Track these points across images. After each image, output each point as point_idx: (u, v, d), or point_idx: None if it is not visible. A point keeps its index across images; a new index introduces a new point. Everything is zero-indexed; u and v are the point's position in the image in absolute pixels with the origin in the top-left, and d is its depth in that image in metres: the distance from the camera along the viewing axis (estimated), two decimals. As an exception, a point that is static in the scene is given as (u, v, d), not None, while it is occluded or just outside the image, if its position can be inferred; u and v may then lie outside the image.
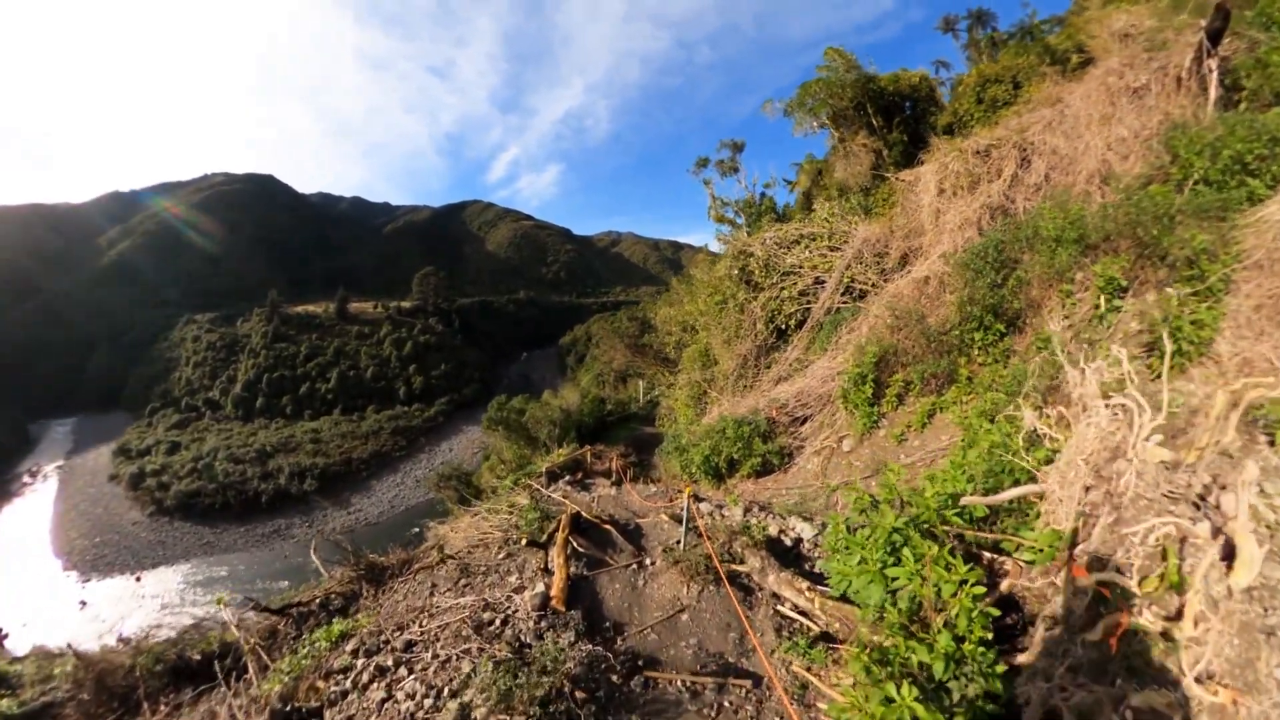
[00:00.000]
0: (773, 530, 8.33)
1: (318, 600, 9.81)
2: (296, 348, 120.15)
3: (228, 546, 65.45)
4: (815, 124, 24.49)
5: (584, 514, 9.44)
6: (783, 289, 15.92)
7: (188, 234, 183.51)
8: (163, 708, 7.18)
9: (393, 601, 9.20)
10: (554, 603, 6.93)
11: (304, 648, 7.49)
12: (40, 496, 79.77)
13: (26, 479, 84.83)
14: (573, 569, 7.95)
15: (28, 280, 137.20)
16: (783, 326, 15.79)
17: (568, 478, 15.76)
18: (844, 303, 14.94)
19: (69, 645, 9.38)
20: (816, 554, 7.76)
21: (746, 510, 9.47)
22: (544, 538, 8.52)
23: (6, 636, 47.84)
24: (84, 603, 55.69)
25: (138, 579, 59.64)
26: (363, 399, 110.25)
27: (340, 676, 6.32)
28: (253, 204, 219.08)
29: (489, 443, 41.20)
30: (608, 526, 9.12)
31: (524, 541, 8.00)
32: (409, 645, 6.81)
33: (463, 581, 9.20)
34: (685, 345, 23.29)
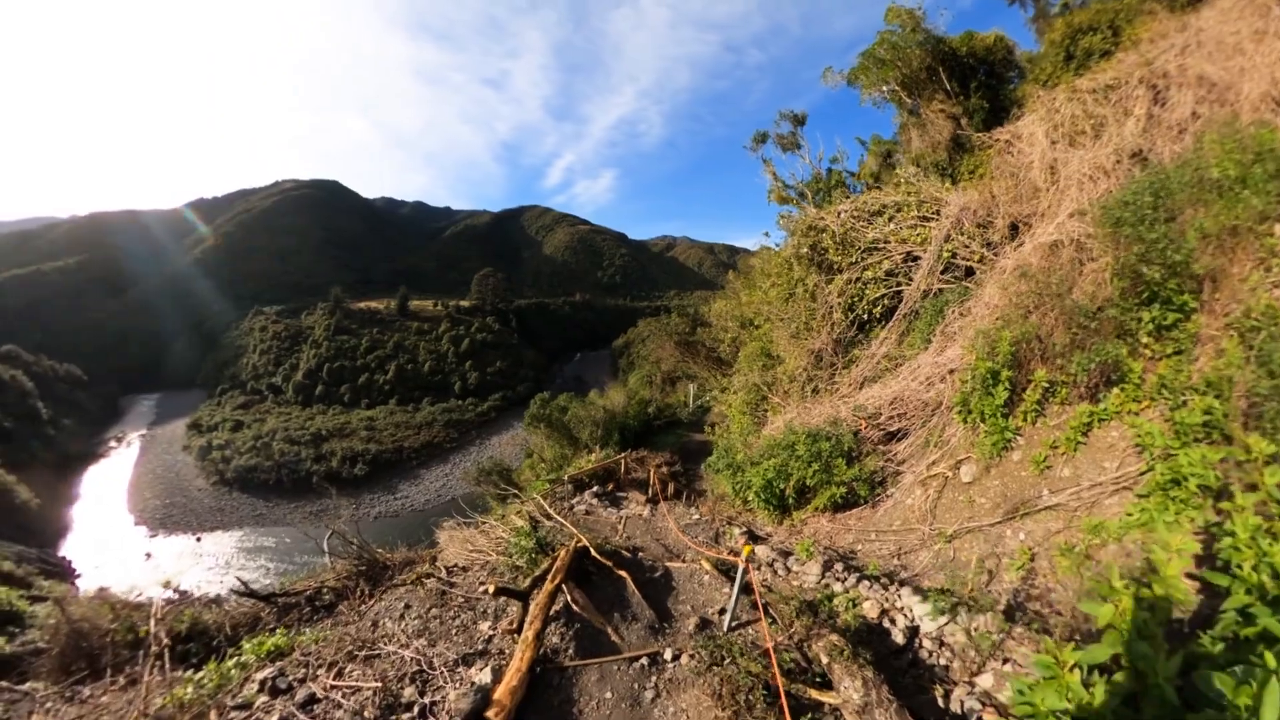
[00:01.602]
0: (869, 608, 5.49)
1: (308, 593, 9.06)
2: (358, 340, 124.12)
3: (277, 520, 69.33)
4: (885, 89, 21.28)
5: (594, 551, 6.81)
6: (865, 269, 12.83)
7: (259, 235, 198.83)
8: (120, 680, 6.42)
9: (366, 615, 7.49)
10: (493, 718, 4.24)
11: (211, 667, 6.06)
12: (123, 459, 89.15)
13: (113, 444, 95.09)
14: (554, 641, 5.37)
15: (124, 276, 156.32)
16: (865, 316, 12.74)
17: (596, 488, 13.27)
18: (946, 282, 11.81)
19: (136, 590, 9.45)
20: (944, 660, 4.88)
21: (826, 565, 6.65)
22: (527, 583, 5.93)
23: (80, 576, 50.06)
24: (149, 554, 61.63)
25: (198, 539, 65.47)
26: (419, 391, 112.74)
27: (235, 715, 4.86)
28: (319, 208, 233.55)
29: (532, 440, 39.92)
30: (623, 575, 6.45)
31: (491, 590, 5.39)
32: (310, 701, 4.85)
33: (433, 612, 6.95)
34: (742, 344, 20.34)
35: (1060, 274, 8.73)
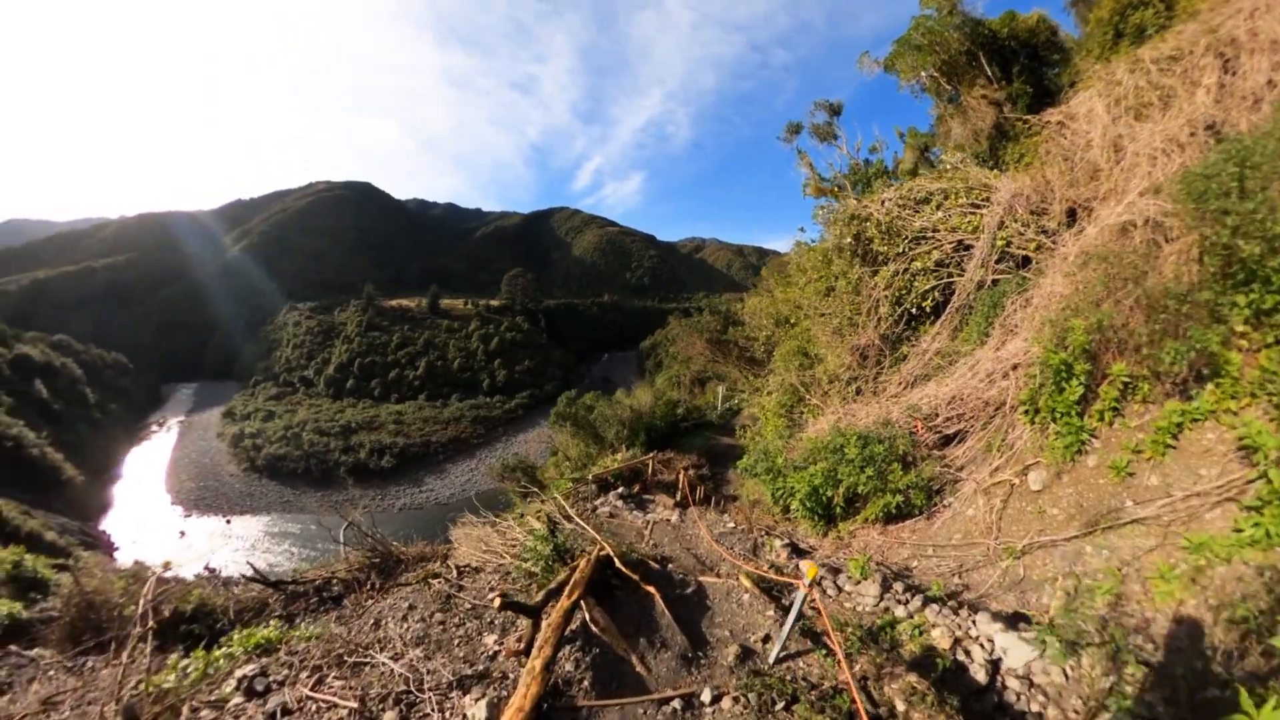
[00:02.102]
0: (939, 637, 4.71)
1: (317, 583, 8.89)
2: (389, 337, 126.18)
3: (303, 507, 71.13)
4: (923, 76, 20.25)
5: (618, 562, 6.13)
6: (913, 260, 11.95)
7: (294, 235, 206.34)
8: (123, 656, 5.83)
9: (369, 612, 7.20)
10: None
11: (199, 655, 5.77)
12: (162, 443, 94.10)
13: (154, 428, 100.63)
14: (567, 669, 4.68)
15: (167, 272, 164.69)
16: (913, 310, 11.86)
17: (621, 489, 12.66)
18: (1001, 273, 10.90)
19: (166, 563, 9.55)
20: (1037, 705, 4.05)
21: (884, 585, 5.90)
22: (539, 597, 5.26)
23: (119, 550, 52.35)
24: (183, 533, 64.82)
25: (228, 521, 68.38)
26: (447, 387, 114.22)
27: (209, 714, 4.54)
28: (352, 208, 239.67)
29: (557, 438, 39.74)
30: (650, 590, 5.74)
31: (496, 603, 4.75)
32: (282, 712, 4.43)
33: (437, 617, 6.48)
34: (777, 342, 19.47)
35: (1135, 257, 7.82)
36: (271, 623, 6.97)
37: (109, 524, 64.83)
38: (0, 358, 79.40)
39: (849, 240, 12.76)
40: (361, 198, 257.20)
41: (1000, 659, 4.49)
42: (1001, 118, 17.77)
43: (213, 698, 4.79)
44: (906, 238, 12.23)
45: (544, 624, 4.76)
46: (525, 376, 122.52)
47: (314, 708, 4.34)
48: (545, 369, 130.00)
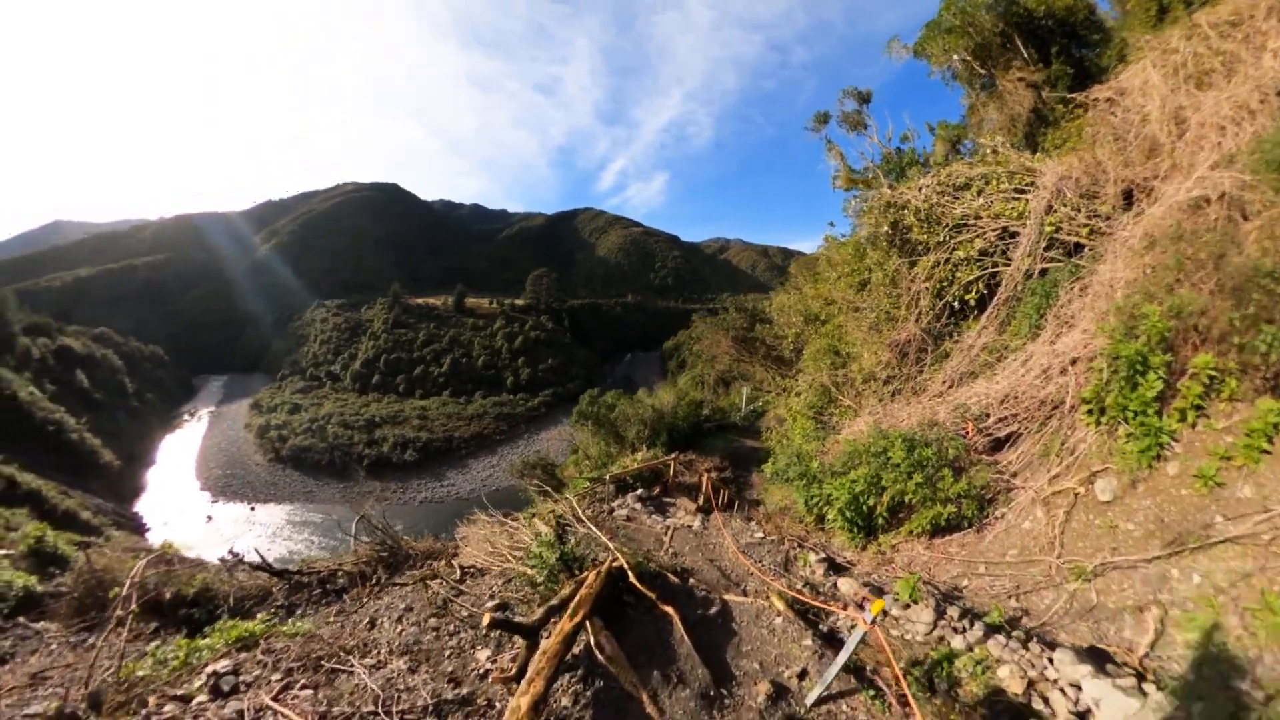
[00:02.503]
0: (1008, 677, 3.96)
1: (323, 574, 8.81)
2: (414, 334, 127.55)
3: (326, 498, 72.31)
4: (955, 59, 19.17)
5: (632, 577, 5.49)
6: (954, 249, 11.12)
7: (322, 235, 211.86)
8: (125, 633, 6.25)
9: (367, 609, 7.07)
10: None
11: (181, 643, 5.72)
12: (193, 432, 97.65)
13: (186, 417, 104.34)
14: (564, 704, 4.05)
15: (200, 270, 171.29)
16: (955, 302, 11.03)
17: (640, 491, 12.04)
18: (1050, 261, 10.03)
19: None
20: None
21: (938, 611, 5.17)
22: (538, 614, 4.63)
23: (150, 530, 54.76)
24: (210, 517, 67.03)
25: (252, 508, 70.11)
26: (472, 384, 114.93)
27: (173, 709, 4.33)
28: (379, 209, 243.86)
29: (577, 436, 39.39)
30: (668, 611, 5.07)
31: (485, 621, 4.13)
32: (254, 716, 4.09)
33: (431, 621, 6.10)
34: (807, 341, 18.63)
35: (1212, 235, 6.96)
36: (259, 615, 6.80)
37: (142, 506, 67.22)
38: (44, 349, 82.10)
39: (885, 229, 11.96)
40: (388, 199, 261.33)
41: (1090, 711, 3.73)
42: (1040, 101, 16.69)
43: (180, 692, 4.60)
44: (947, 226, 11.40)
45: (541, 648, 4.14)
46: (549, 375, 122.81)
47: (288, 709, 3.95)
48: (568, 368, 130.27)
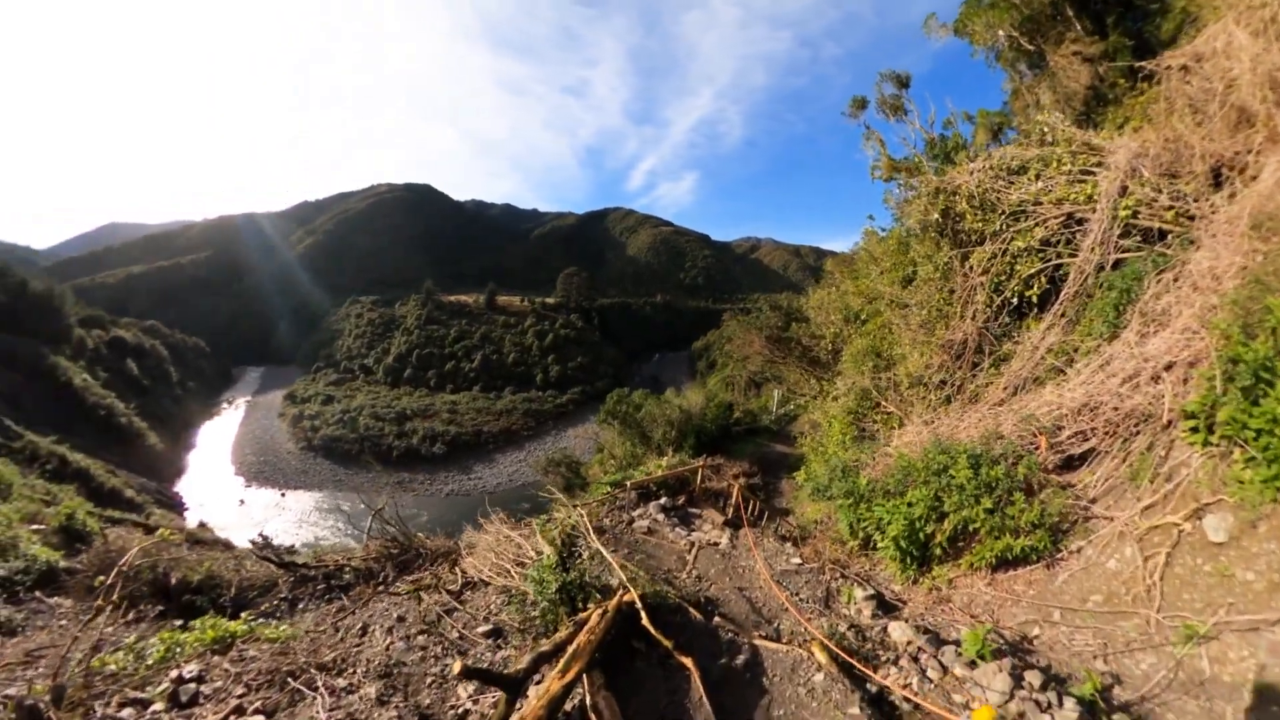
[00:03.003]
0: None
1: (329, 568, 8.69)
2: (446, 330, 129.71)
3: (354, 486, 73.68)
4: (1000, 35, 17.75)
5: (645, 618, 4.64)
6: (1012, 238, 9.97)
7: (357, 233, 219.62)
8: (131, 614, 6.62)
9: (363, 612, 6.78)
10: None
11: (166, 635, 5.63)
12: (230, 419, 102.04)
13: (224, 405, 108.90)
14: None
15: (240, 267, 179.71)
16: (1014, 298, 9.90)
17: (664, 500, 11.22)
18: (1126, 249, 8.84)
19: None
20: None
21: (1016, 676, 4.21)
22: (524, 662, 3.85)
23: (188, 510, 58.48)
24: (242, 501, 69.45)
25: (282, 494, 72.58)
26: (501, 380, 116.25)
27: (134, 713, 4.23)
28: (412, 209, 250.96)
29: (603, 435, 38.94)
30: (686, 664, 4.19)
31: (455, 670, 3.38)
32: None
33: (419, 639, 5.63)
34: (846, 341, 17.49)
35: None
36: (244, 615, 6.72)
37: (182, 487, 70.12)
38: (98, 340, 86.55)
39: (935, 217, 10.85)
40: (421, 199, 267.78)
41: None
42: (1098, 77, 15.27)
43: (143, 695, 4.48)
44: (1003, 213, 10.22)
45: (521, 712, 3.37)
46: (577, 373, 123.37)
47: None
48: (597, 366, 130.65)
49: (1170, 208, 8.75)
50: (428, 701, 4.39)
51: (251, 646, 5.55)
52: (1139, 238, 8.96)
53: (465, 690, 4.28)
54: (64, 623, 6.80)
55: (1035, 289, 9.64)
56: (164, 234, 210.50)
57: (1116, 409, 6.74)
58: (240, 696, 4.50)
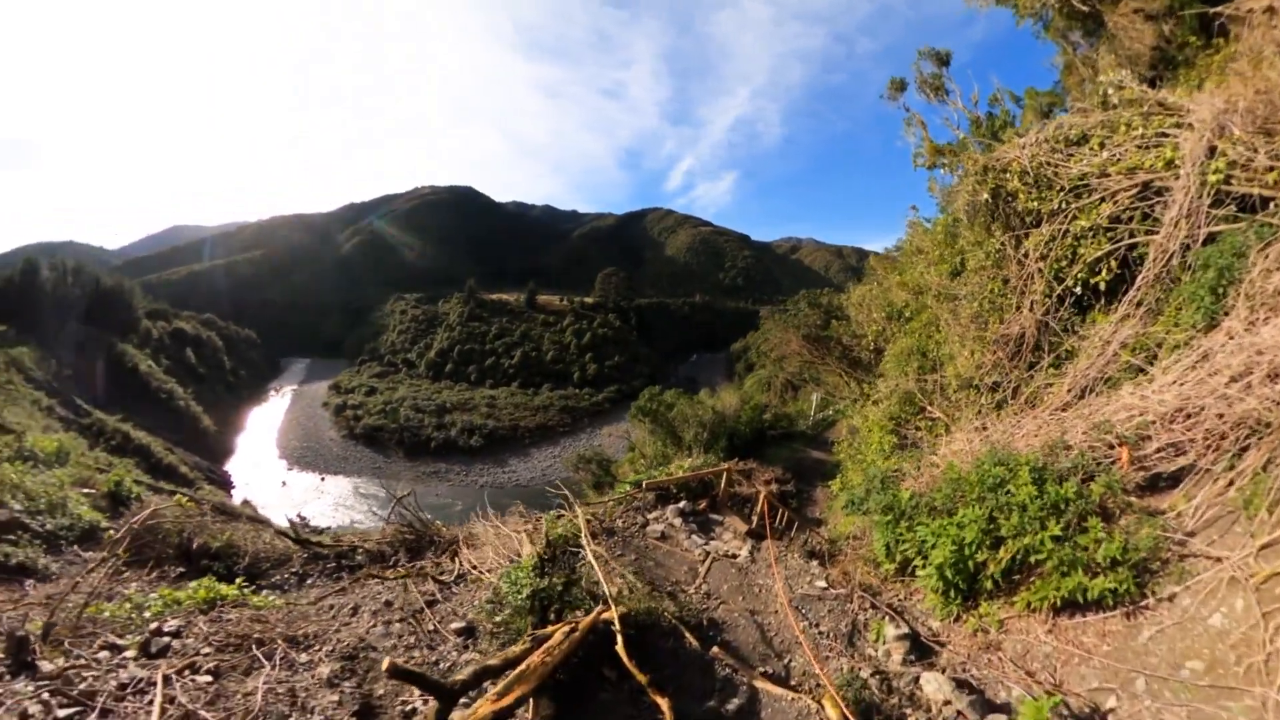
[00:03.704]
0: None
1: (343, 548, 8.94)
2: (488, 327, 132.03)
3: (392, 474, 76.55)
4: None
5: (620, 644, 3.90)
6: (1074, 217, 8.70)
7: (401, 234, 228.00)
8: (144, 575, 6.88)
9: (358, 592, 6.75)
10: None
11: (164, 592, 5.92)
12: (277, 406, 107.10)
13: (272, 393, 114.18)
14: None
15: (288, 265, 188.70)
16: (1077, 286, 8.64)
17: (684, 503, 10.40)
18: (1220, 221, 7.49)
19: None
20: None
21: None
22: (464, 674, 3.24)
23: (234, 488, 62.83)
24: (284, 483, 72.66)
25: (322, 479, 75.58)
26: (540, 377, 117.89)
27: (108, 656, 4.38)
28: (455, 210, 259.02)
29: (634, 434, 38.47)
30: (660, 705, 3.46)
31: (384, 666, 2.85)
32: (122, 686, 3.86)
33: (395, 626, 5.50)
34: (889, 340, 16.24)
35: None
36: (236, 581, 6.84)
37: (230, 466, 74.32)
38: (162, 330, 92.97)
39: (985, 198, 9.64)
40: (464, 200, 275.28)
41: None
42: (1164, 37, 13.57)
43: (122, 641, 4.64)
44: (1061, 189, 8.91)
45: None
46: (614, 372, 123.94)
47: (149, 699, 3.81)
48: (633, 366, 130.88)
49: (1271, 168, 7.38)
50: (381, 692, 4.23)
51: (234, 611, 5.61)
52: (1234, 206, 7.59)
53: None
54: (94, 575, 6.81)
55: (1103, 274, 8.29)
56: (221, 234, 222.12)
57: (1222, 416, 5.57)
58: (204, 655, 4.57)
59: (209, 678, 4.19)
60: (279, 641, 4.87)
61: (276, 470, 77.94)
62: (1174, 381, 6.08)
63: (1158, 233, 7.84)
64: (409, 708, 4.09)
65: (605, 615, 4.11)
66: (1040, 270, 8.81)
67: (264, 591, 7.28)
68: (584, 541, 5.75)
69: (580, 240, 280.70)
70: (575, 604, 4.45)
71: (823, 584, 6.59)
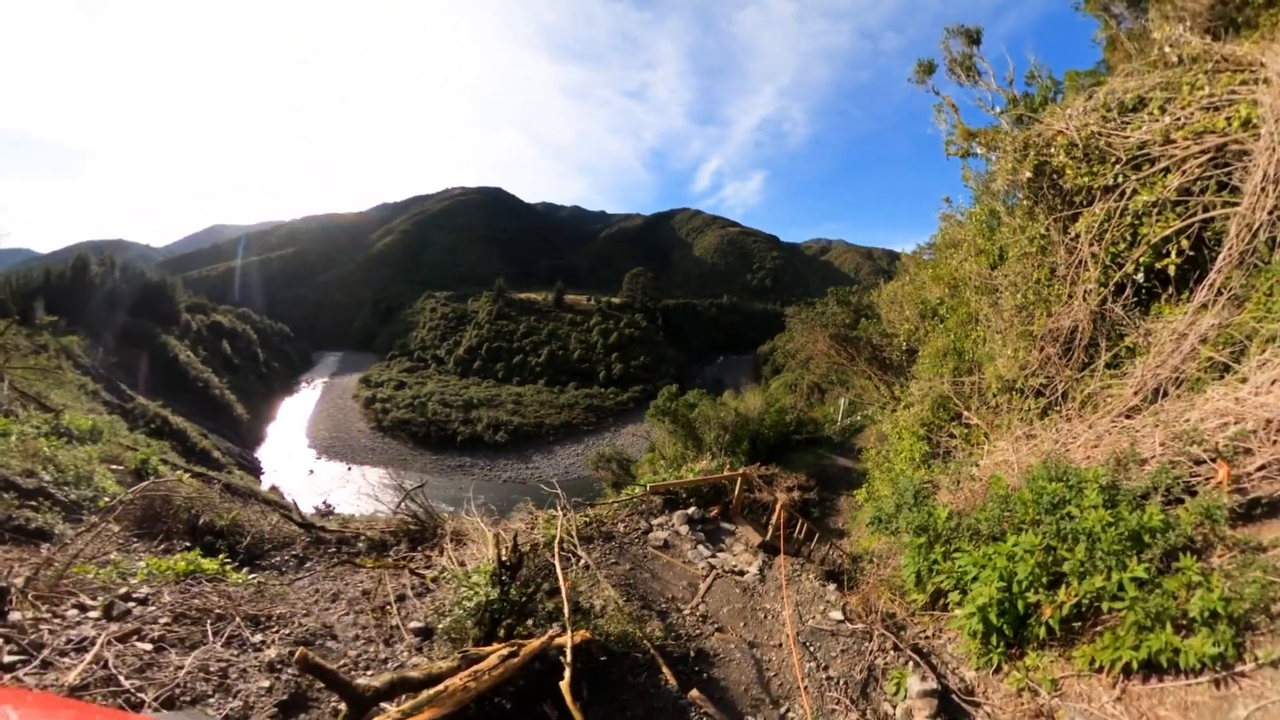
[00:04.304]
0: None
1: (345, 534, 9.07)
2: (516, 326, 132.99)
3: (418, 467, 77.83)
4: None
5: (565, 680, 3.18)
6: (1133, 192, 7.57)
7: (432, 233, 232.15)
8: (154, 546, 7.02)
9: (342, 579, 6.89)
10: None
11: (151, 561, 5.97)
12: (308, 397, 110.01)
13: (303, 385, 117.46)
14: None
15: (322, 263, 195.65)
16: (1137, 271, 7.50)
17: (693, 510, 9.61)
18: None
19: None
20: None
21: None
22: (380, 681, 2.88)
23: (264, 474, 64.57)
24: (312, 471, 74.70)
25: (349, 468, 76.65)
26: (565, 375, 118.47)
27: (75, 614, 4.44)
28: (485, 211, 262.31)
29: (654, 434, 37.82)
30: None
31: (298, 655, 2.44)
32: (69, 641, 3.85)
33: (363, 619, 5.41)
34: (922, 340, 15.11)
35: None
36: (221, 556, 6.88)
37: (261, 453, 76.87)
38: (201, 323, 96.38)
39: (1026, 175, 8.56)
40: (493, 201, 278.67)
41: None
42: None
43: (92, 602, 4.70)
44: (1116, 161, 7.75)
45: None
46: (639, 372, 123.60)
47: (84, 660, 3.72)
48: (659, 366, 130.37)
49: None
50: (321, 685, 3.95)
51: (205, 585, 5.65)
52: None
53: (364, 680, 3.19)
54: (102, 542, 7.19)
55: (1171, 257, 7.10)
56: (258, 233, 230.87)
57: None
58: (160, 624, 4.55)
59: (149, 646, 4.16)
60: (238, 619, 4.85)
61: (305, 459, 79.95)
62: (1273, 381, 5.06)
63: (1238, 204, 6.69)
64: (343, 706, 3.67)
65: (559, 640, 3.42)
66: (1094, 255, 7.67)
67: (258, 571, 7.29)
68: (557, 549, 5.01)
69: (608, 241, 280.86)
70: (554, 619, 3.77)
71: (838, 615, 5.64)
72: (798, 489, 19.18)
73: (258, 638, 4.69)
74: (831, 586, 6.34)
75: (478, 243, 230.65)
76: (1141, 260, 7.30)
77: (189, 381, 75.53)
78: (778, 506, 8.88)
